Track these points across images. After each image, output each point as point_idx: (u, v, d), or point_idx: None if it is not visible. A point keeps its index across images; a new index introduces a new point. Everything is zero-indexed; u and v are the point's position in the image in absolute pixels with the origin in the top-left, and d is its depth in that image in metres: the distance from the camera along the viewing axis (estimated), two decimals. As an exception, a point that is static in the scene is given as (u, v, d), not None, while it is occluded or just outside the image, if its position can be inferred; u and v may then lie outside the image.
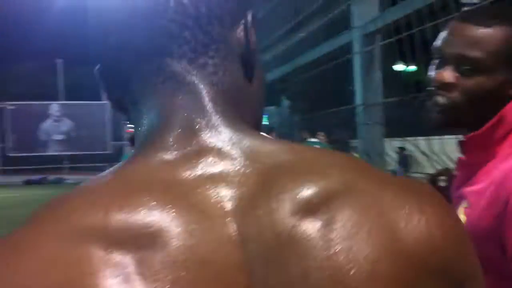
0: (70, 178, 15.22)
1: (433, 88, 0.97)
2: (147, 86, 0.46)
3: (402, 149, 9.88)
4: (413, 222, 0.40)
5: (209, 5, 0.46)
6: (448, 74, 0.95)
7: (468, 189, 0.94)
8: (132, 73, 0.47)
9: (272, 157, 0.43)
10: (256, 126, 0.50)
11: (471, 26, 0.95)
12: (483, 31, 0.95)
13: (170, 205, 0.39)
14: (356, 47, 2.02)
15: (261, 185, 0.40)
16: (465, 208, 0.93)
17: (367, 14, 2.09)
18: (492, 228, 0.86)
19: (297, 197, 0.40)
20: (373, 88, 1.97)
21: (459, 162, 1.01)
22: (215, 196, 0.40)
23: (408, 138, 1.81)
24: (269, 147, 0.43)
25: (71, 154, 17.96)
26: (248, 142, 0.43)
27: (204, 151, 0.42)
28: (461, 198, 0.95)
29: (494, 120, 0.93)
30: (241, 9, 0.48)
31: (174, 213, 0.39)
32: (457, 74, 0.94)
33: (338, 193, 0.40)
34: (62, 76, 19.50)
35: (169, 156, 0.42)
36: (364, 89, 1.99)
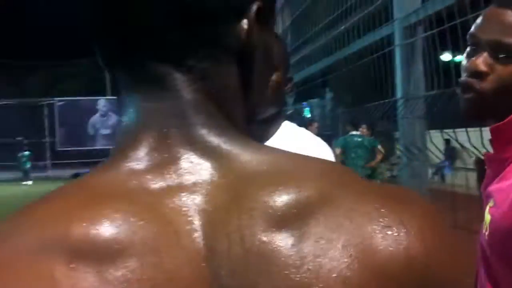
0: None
1: (465, 77, 0.94)
2: (128, 84, 0.43)
3: (448, 141, 9.64)
4: (392, 236, 0.38)
5: (204, 0, 0.41)
6: (482, 62, 0.90)
7: (495, 187, 0.89)
8: (115, 66, 0.44)
9: (249, 167, 0.40)
10: (249, 130, 0.47)
11: (508, 11, 0.91)
12: None
13: (136, 218, 0.37)
14: (397, 39, 2.00)
15: (233, 198, 0.39)
16: (491, 207, 0.89)
17: (408, 5, 2.06)
18: None
19: (270, 211, 0.38)
20: (415, 81, 1.95)
21: (487, 158, 0.97)
22: (184, 209, 0.38)
23: (446, 130, 1.77)
24: (248, 157, 0.41)
25: (117, 148, 18.34)
26: (226, 151, 0.41)
27: (177, 160, 0.40)
28: (489, 196, 0.91)
29: None
30: (243, 1, 0.43)
31: (140, 227, 0.37)
32: (491, 62, 0.91)
33: (313, 207, 0.38)
34: (108, 72, 19.91)
35: (139, 165, 0.40)
36: (406, 82, 1.97)
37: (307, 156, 0.44)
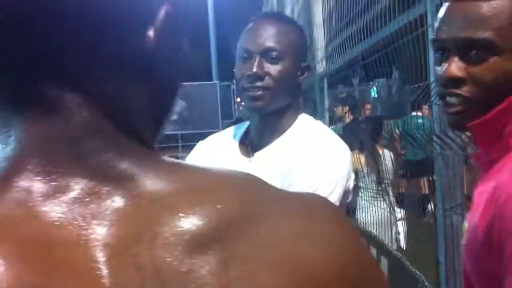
0: (184, 155, 16.11)
1: (442, 90, 0.84)
2: (12, 104, 0.37)
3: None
4: (321, 248, 0.37)
5: (101, 6, 0.35)
6: (454, 68, 0.81)
7: (477, 190, 0.81)
8: None
9: (159, 190, 0.36)
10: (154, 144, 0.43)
11: (471, 3, 0.80)
12: (487, 6, 0.79)
13: (22, 261, 0.32)
14: (430, 18, 1.85)
15: (144, 226, 0.34)
16: (470, 213, 0.80)
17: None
18: (485, 240, 0.73)
19: (186, 237, 0.34)
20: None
21: (476, 159, 0.87)
22: (84, 245, 0.33)
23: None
24: (158, 179, 0.37)
25: (184, 133, 18.84)
26: (132, 175, 0.36)
27: (71, 190, 0.35)
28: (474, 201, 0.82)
29: (503, 105, 0.78)
30: (147, 8, 0.38)
31: (27, 271, 0.32)
32: (464, 65, 0.80)
33: (235, 226, 0.35)
34: (173, 58, 20.37)
35: (24, 196, 0.35)
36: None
37: (222, 170, 0.41)
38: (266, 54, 1.39)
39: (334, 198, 1.30)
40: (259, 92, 1.39)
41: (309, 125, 1.47)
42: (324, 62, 4.04)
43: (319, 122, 1.54)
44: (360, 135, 4.02)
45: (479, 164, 0.87)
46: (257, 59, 1.38)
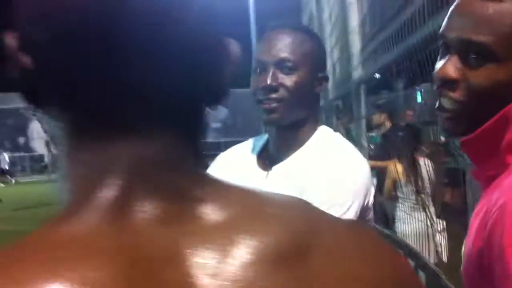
0: (226, 163, 16.25)
1: (437, 88, 0.77)
2: (94, 126, 0.39)
3: None
4: (382, 271, 0.40)
5: (200, 47, 0.39)
6: (451, 68, 0.74)
7: (474, 211, 0.75)
8: (75, 107, 0.39)
9: (233, 212, 0.39)
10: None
11: (479, 2, 0.72)
12: (494, 8, 0.71)
13: (134, 280, 0.33)
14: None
15: (229, 246, 0.37)
16: (466, 236, 0.74)
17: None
18: (477, 264, 0.67)
19: (270, 255, 0.37)
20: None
21: (475, 176, 0.80)
22: (180, 262, 0.35)
23: None
24: (227, 201, 0.40)
25: (227, 141, 18.98)
26: (205, 198, 0.39)
27: (160, 211, 0.37)
28: None
29: (495, 120, 0.70)
30: (227, 42, 0.43)
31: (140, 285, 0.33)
32: (461, 66, 0.73)
33: (305, 244, 0.38)
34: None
35: (118, 217, 0.36)
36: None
37: (276, 194, 0.44)
38: (280, 65, 1.34)
39: (351, 215, 1.23)
40: (274, 105, 1.33)
41: (327, 139, 1.41)
42: (360, 68, 3.94)
43: (338, 135, 1.46)
44: (398, 143, 3.89)
45: (479, 181, 0.80)
46: (271, 70, 1.33)
